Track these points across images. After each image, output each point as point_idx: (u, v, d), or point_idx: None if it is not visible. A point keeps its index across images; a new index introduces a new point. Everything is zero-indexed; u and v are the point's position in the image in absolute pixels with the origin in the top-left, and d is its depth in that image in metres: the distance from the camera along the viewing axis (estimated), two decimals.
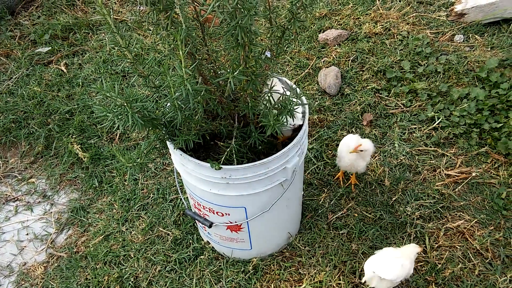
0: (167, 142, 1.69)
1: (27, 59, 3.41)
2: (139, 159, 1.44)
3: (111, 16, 1.29)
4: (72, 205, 2.55)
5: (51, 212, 2.56)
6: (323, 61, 3.10)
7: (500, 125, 2.51)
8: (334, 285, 2.03)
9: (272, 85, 1.65)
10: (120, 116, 1.22)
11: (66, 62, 3.37)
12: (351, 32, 3.29)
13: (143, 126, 1.36)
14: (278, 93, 1.68)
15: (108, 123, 1.21)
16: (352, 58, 3.08)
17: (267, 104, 1.57)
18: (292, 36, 1.50)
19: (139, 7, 1.29)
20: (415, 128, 2.64)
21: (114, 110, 1.19)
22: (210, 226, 1.93)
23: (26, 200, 2.64)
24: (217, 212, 1.87)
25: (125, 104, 1.18)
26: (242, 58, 1.35)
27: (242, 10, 1.12)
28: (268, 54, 1.52)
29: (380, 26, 3.27)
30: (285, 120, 1.61)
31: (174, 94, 1.33)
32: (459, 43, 3.10)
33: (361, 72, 2.99)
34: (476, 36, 3.11)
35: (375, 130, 2.66)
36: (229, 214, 1.86)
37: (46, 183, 2.71)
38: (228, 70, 1.29)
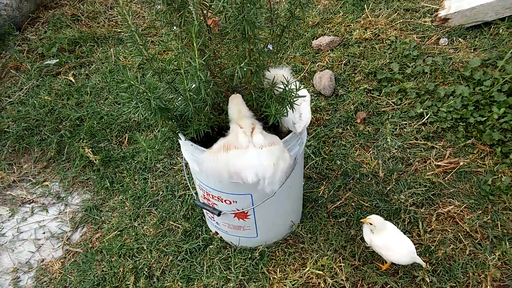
0: (179, 134, 1.86)
1: (37, 71, 3.59)
2: (156, 146, 1.60)
3: (130, 16, 1.47)
4: (85, 205, 2.69)
5: (66, 212, 2.70)
6: (318, 65, 3.30)
7: (485, 118, 2.69)
8: (336, 267, 2.18)
9: (275, 80, 1.82)
10: (142, 103, 1.38)
11: (74, 73, 3.56)
12: (343, 38, 3.50)
13: (160, 115, 1.52)
14: (280, 87, 1.85)
15: (132, 110, 1.38)
16: (344, 61, 3.28)
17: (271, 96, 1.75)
18: (291, 33, 1.68)
19: (156, 6, 1.46)
20: (405, 124, 2.83)
21: (138, 97, 1.35)
22: (219, 215, 2.08)
23: (41, 201, 2.78)
24: (225, 201, 2.02)
25: (147, 90, 1.35)
26: (247, 51, 1.52)
27: (248, 4, 1.30)
28: (270, 47, 1.70)
29: (370, 32, 3.48)
30: (285, 111, 1.78)
31: (187, 85, 1.51)
32: (444, 45, 3.31)
33: (353, 75, 3.19)
34: (460, 39, 3.33)
35: (369, 127, 2.84)
36: (236, 202, 2.01)
37: (60, 185, 2.85)
38: (236, 62, 1.47)
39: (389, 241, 2.04)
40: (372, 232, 2.07)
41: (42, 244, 2.56)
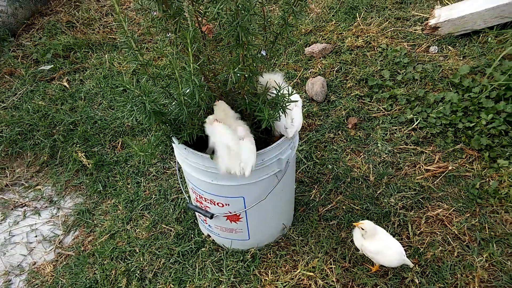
0: (173, 138, 1.88)
1: (31, 76, 3.60)
2: (149, 149, 1.63)
3: (126, 23, 1.50)
4: (78, 208, 2.70)
5: (58, 216, 2.71)
6: (310, 72, 3.34)
7: (473, 124, 2.75)
8: (326, 269, 2.21)
9: (268, 86, 1.86)
10: (137, 107, 1.41)
11: (68, 78, 3.58)
12: (335, 46, 3.55)
13: (154, 118, 1.55)
14: (273, 93, 1.89)
15: (127, 114, 1.41)
16: (336, 68, 3.33)
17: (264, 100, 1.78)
18: (284, 40, 1.72)
19: (153, 13, 1.50)
20: (396, 129, 2.88)
21: (133, 100, 1.38)
22: (211, 218, 2.10)
23: (34, 205, 2.79)
24: (217, 203, 2.05)
25: (142, 94, 1.38)
26: (241, 57, 1.56)
27: (243, 11, 1.34)
28: (264, 53, 1.74)
29: (361, 40, 3.54)
30: (278, 115, 1.82)
31: (182, 90, 1.54)
32: (434, 53, 3.37)
33: (345, 81, 3.24)
34: (449, 47, 3.39)
35: (360, 132, 2.89)
36: (228, 205, 2.04)
37: (52, 189, 2.86)
38: (229, 68, 1.50)
39: (380, 246, 2.07)
40: (363, 237, 2.10)
41: (34, 247, 2.56)
